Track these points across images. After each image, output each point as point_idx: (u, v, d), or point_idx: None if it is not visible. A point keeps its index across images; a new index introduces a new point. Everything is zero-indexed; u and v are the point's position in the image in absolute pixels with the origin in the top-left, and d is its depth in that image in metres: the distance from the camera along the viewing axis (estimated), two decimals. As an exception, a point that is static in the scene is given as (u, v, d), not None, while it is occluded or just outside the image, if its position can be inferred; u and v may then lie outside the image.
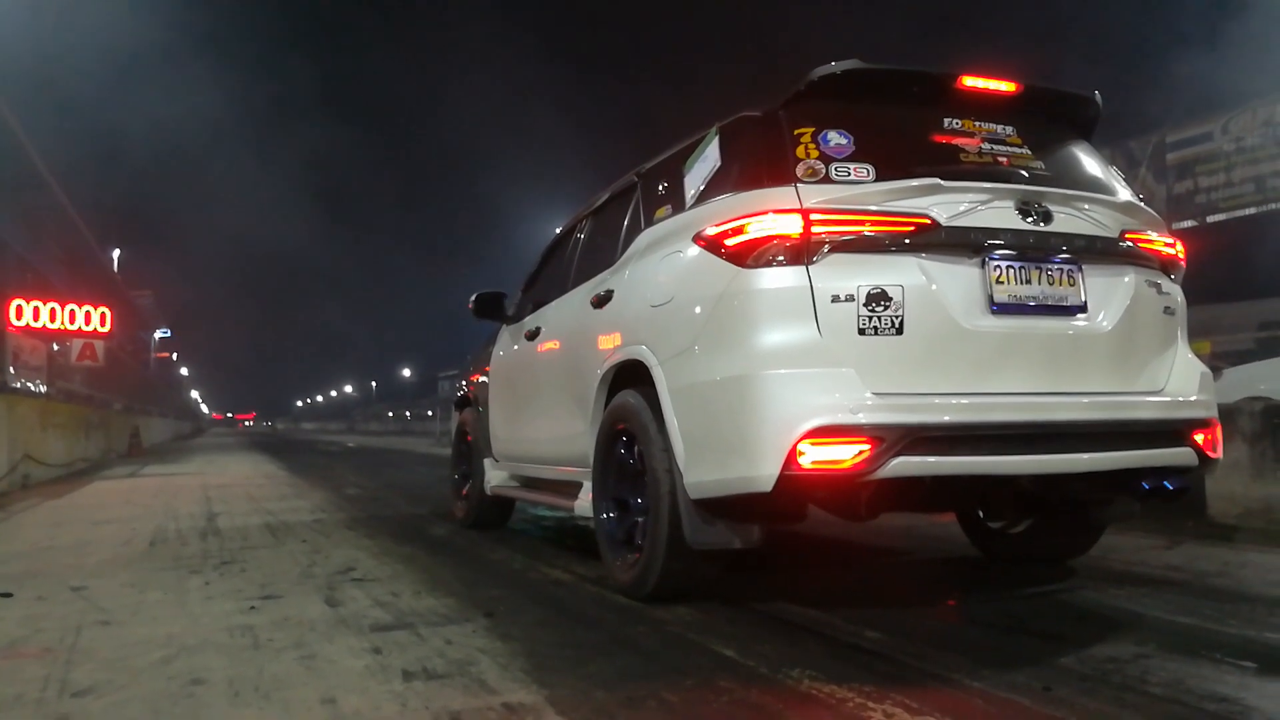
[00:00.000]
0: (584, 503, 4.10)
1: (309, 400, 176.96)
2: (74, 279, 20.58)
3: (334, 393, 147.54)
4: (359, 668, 2.95)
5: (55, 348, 15.49)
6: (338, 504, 8.60)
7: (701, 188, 3.55)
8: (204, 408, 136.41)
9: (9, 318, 13.27)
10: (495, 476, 5.75)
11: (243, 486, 10.88)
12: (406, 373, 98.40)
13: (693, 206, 3.57)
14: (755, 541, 3.34)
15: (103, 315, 15.84)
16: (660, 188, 3.93)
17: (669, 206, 3.79)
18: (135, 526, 6.79)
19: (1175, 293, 3.54)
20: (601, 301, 4.06)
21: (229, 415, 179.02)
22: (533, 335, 4.99)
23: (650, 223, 3.90)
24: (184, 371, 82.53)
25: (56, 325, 14.74)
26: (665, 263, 3.55)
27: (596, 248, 4.46)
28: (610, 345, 3.87)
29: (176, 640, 3.34)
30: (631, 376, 3.70)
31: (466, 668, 2.93)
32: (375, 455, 21.88)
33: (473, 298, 5.65)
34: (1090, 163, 3.61)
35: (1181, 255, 3.57)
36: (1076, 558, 4.31)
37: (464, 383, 6.44)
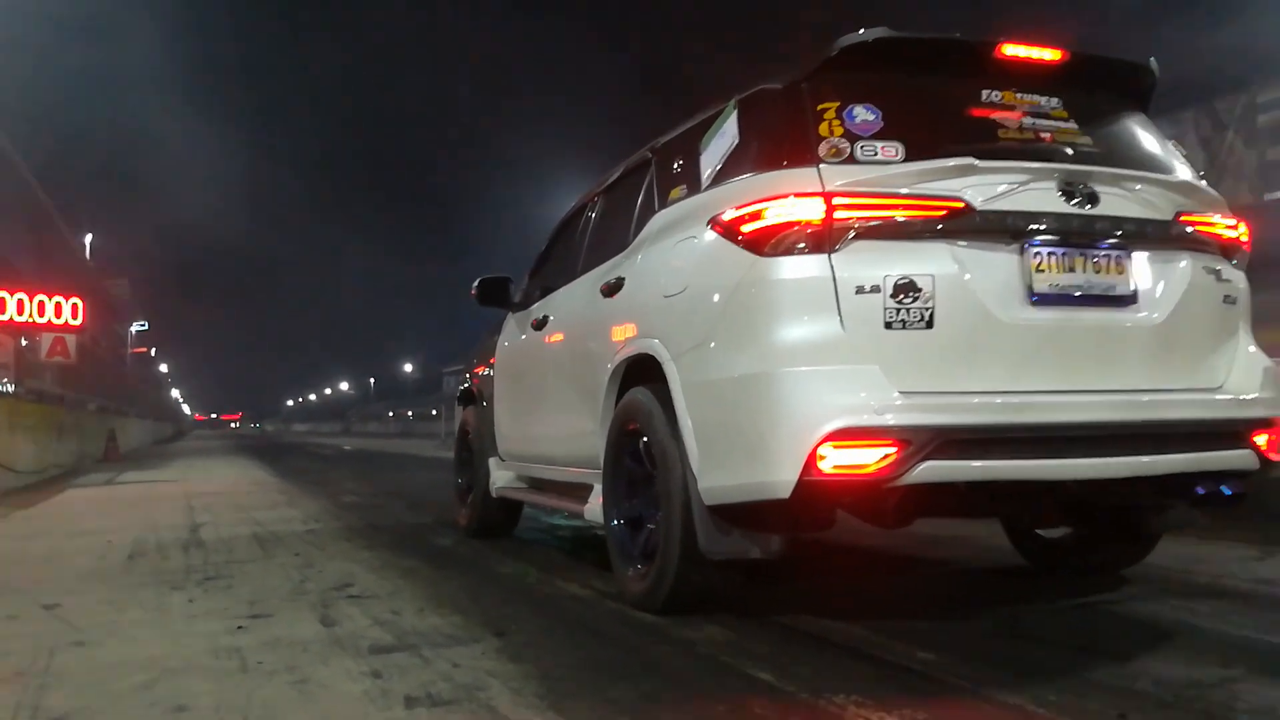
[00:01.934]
0: (594, 507, 4.15)
1: (301, 399, 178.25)
2: (42, 267, 20.79)
3: (328, 391, 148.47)
4: (357, 693, 2.98)
5: (24, 343, 15.66)
6: (333, 513, 8.66)
7: (719, 166, 3.55)
8: (186, 408, 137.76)
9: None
10: (501, 477, 5.83)
11: (229, 494, 10.99)
12: (408, 368, 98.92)
13: (709, 187, 3.57)
14: (775, 552, 3.37)
15: (75, 306, 15.98)
16: (676, 165, 3.92)
17: (684, 187, 3.79)
18: (112, 538, 6.88)
19: (1237, 279, 3.51)
20: (612, 290, 4.09)
21: (213, 416, 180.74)
22: (540, 324, 5.03)
23: (665, 204, 3.91)
24: (164, 369, 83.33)
25: (24, 318, 14.90)
26: (679, 249, 3.56)
27: (608, 229, 4.47)
28: (621, 338, 3.91)
29: (158, 663, 3.38)
30: (644, 372, 3.70)
31: (475, 693, 2.95)
32: (374, 459, 22.02)
33: (475, 283, 5.70)
34: (1145, 138, 3.59)
35: (1245, 239, 3.53)
36: (1130, 567, 4.27)
37: (468, 375, 6.51)
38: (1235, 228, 3.52)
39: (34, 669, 3.35)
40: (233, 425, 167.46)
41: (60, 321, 15.89)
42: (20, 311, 15.06)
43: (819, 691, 2.84)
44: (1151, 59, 3.67)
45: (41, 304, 15.59)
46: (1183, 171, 3.50)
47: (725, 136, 3.58)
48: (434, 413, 63.28)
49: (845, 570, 4.94)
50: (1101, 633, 3.48)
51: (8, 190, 19.22)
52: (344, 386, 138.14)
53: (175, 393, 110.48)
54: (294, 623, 3.95)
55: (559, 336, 4.77)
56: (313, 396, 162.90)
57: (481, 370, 6.15)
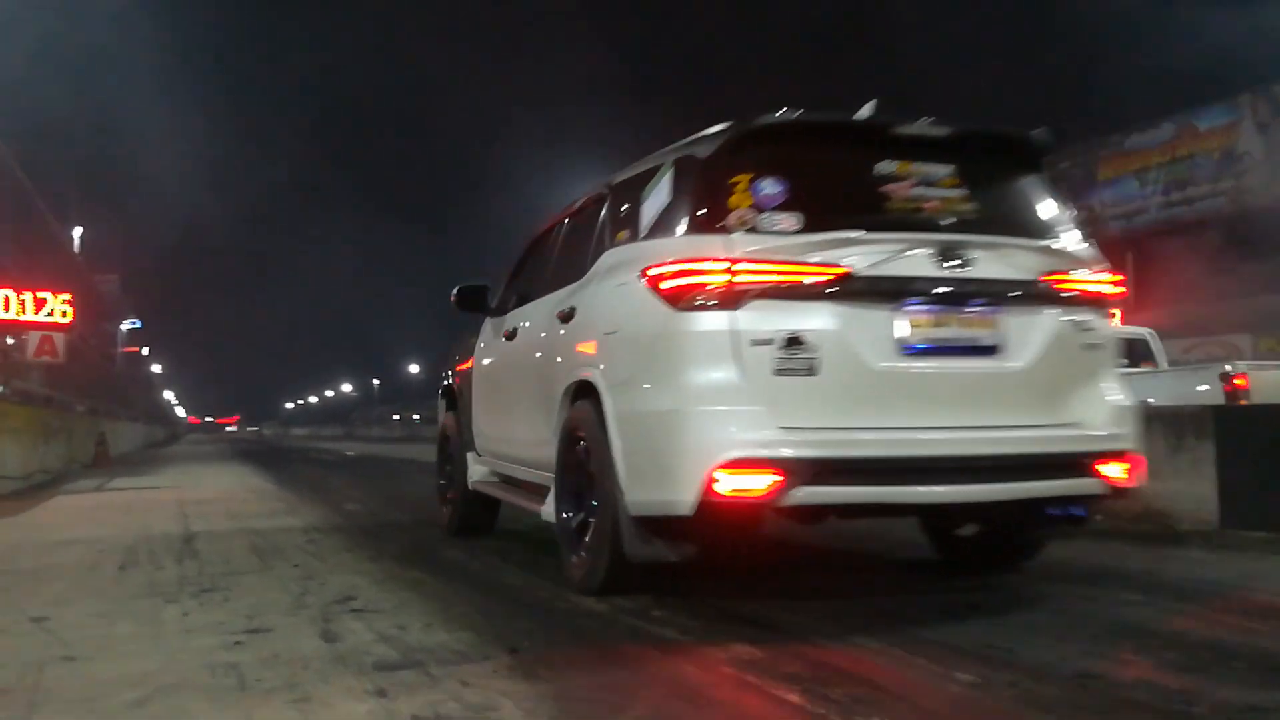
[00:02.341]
0: (549, 509, 4.88)
1: (300, 401, 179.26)
2: (29, 261, 20.96)
3: (329, 393, 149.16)
4: (360, 713, 3.00)
5: (9, 341, 15.80)
6: (335, 522, 8.72)
7: (654, 220, 4.34)
8: (179, 411, 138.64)
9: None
10: (477, 471, 6.57)
11: (225, 502, 11.07)
12: (414, 369, 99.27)
13: (645, 238, 4.37)
14: (689, 557, 4.14)
15: (63, 304, 16.12)
16: (623, 208, 4.73)
17: (628, 231, 4.59)
18: (103, 548, 6.94)
19: (1102, 328, 4.21)
20: (566, 317, 4.83)
21: (208, 419, 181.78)
22: (511, 336, 5.83)
23: (613, 243, 4.70)
24: (156, 369, 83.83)
25: (10, 314, 15.03)
26: (618, 291, 4.32)
27: (571, 253, 5.29)
28: (571, 362, 4.67)
29: (151, 679, 3.41)
30: (590, 390, 4.42)
31: (486, 713, 2.97)
32: (378, 465, 22.12)
33: (455, 290, 6.39)
34: (1031, 202, 4.35)
35: (1117, 291, 4.27)
36: (1026, 562, 4.99)
37: (449, 373, 7.22)
38: (1105, 282, 4.24)
39: (22, 685, 3.39)
40: (229, 429, 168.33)
41: (48, 319, 16.01)
42: (5, 308, 15.15)
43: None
44: (1042, 129, 4.37)
45: (25, 301, 15.69)
46: (1062, 232, 4.27)
47: (660, 193, 4.36)
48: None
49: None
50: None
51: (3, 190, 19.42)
52: (346, 388, 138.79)
53: (168, 395, 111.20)
54: (294, 638, 3.99)
55: (525, 350, 5.52)
56: (313, 399, 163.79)
57: (462, 369, 6.82)
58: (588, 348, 4.56)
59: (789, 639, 3.81)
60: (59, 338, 16.68)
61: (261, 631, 4.11)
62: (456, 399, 7.03)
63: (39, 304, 15.85)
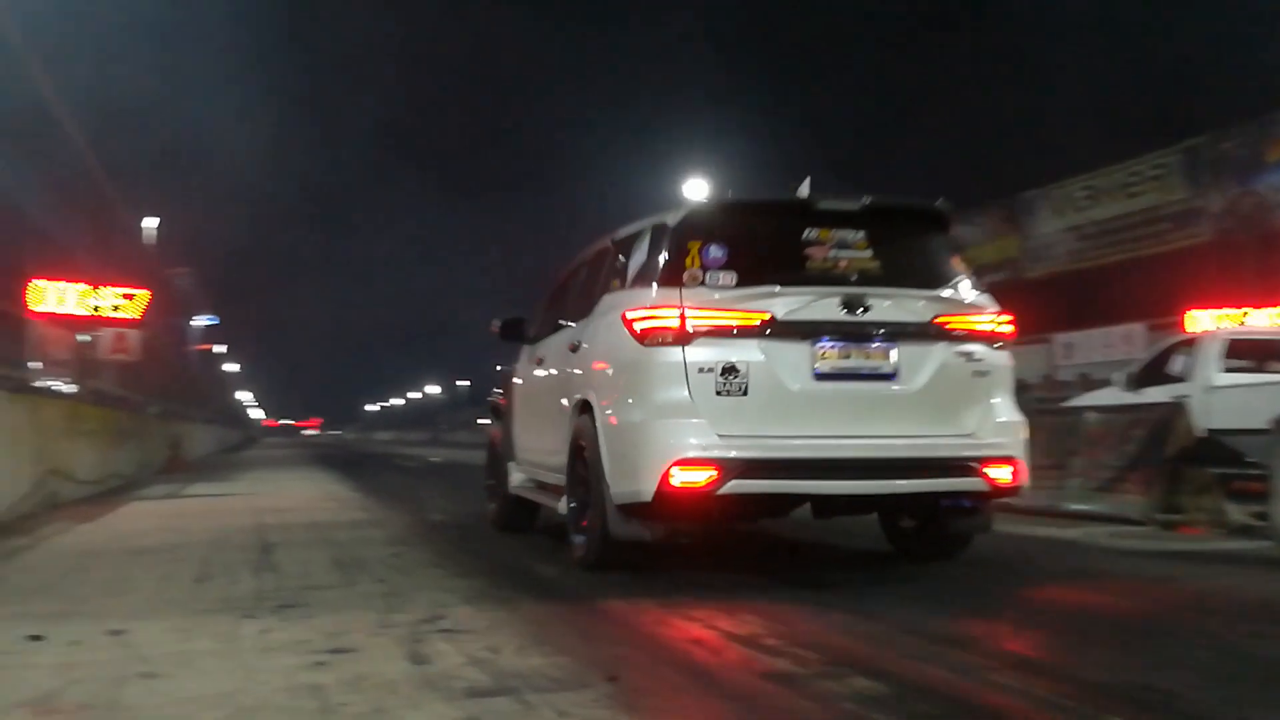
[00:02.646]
0: (563, 505, 6.48)
1: (383, 404, 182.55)
2: (103, 255, 21.75)
3: (414, 395, 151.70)
4: (451, 741, 3.05)
5: (85, 338, 16.42)
6: (420, 534, 8.89)
7: (635, 273, 5.98)
8: (256, 413, 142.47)
9: (27, 302, 14.15)
10: (516, 477, 8.24)
11: (304, 511, 11.37)
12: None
13: (629, 287, 5.99)
14: (660, 537, 5.67)
15: (137, 299, 16.69)
16: (618, 260, 6.41)
17: (618, 280, 6.25)
18: (179, 558, 7.19)
19: (992, 359, 5.71)
20: (575, 348, 6.49)
21: (286, 422, 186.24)
22: (539, 363, 7.58)
23: (609, 289, 6.35)
24: (232, 368, 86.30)
25: (84, 311, 15.63)
26: (608, 329, 5.92)
27: (583, 294, 6.95)
28: (577, 384, 6.29)
29: (231, 700, 3.53)
30: (588, 406, 5.98)
31: (584, 745, 3.00)
32: (465, 473, 22.42)
33: (497, 323, 8.21)
34: (931, 258, 5.94)
35: (1007, 330, 5.78)
36: (958, 552, 6.43)
37: (496, 393, 9.07)
38: (994, 323, 5.76)
39: (100, 702, 3.54)
40: (307, 432, 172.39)
41: (122, 315, 16.60)
42: (79, 304, 15.73)
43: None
44: (940, 200, 6.08)
45: (102, 296, 16.29)
46: (957, 283, 5.84)
47: (640, 251, 6.03)
48: None
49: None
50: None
51: (67, 172, 20.18)
52: (432, 390, 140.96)
53: (244, 395, 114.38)
54: (380, 659, 4.08)
55: (548, 375, 7.25)
56: (397, 401, 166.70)
57: (504, 390, 8.76)
58: (587, 373, 6.18)
59: (905, 670, 3.82)
60: (133, 335, 17.30)
61: (345, 651, 4.22)
62: (502, 415, 8.79)
63: (114, 299, 16.44)
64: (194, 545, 7.99)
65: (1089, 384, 19.37)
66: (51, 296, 14.95)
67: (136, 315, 16.88)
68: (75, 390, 15.14)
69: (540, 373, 7.56)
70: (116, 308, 16.58)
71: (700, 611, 4.98)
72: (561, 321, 7.25)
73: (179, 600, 5.54)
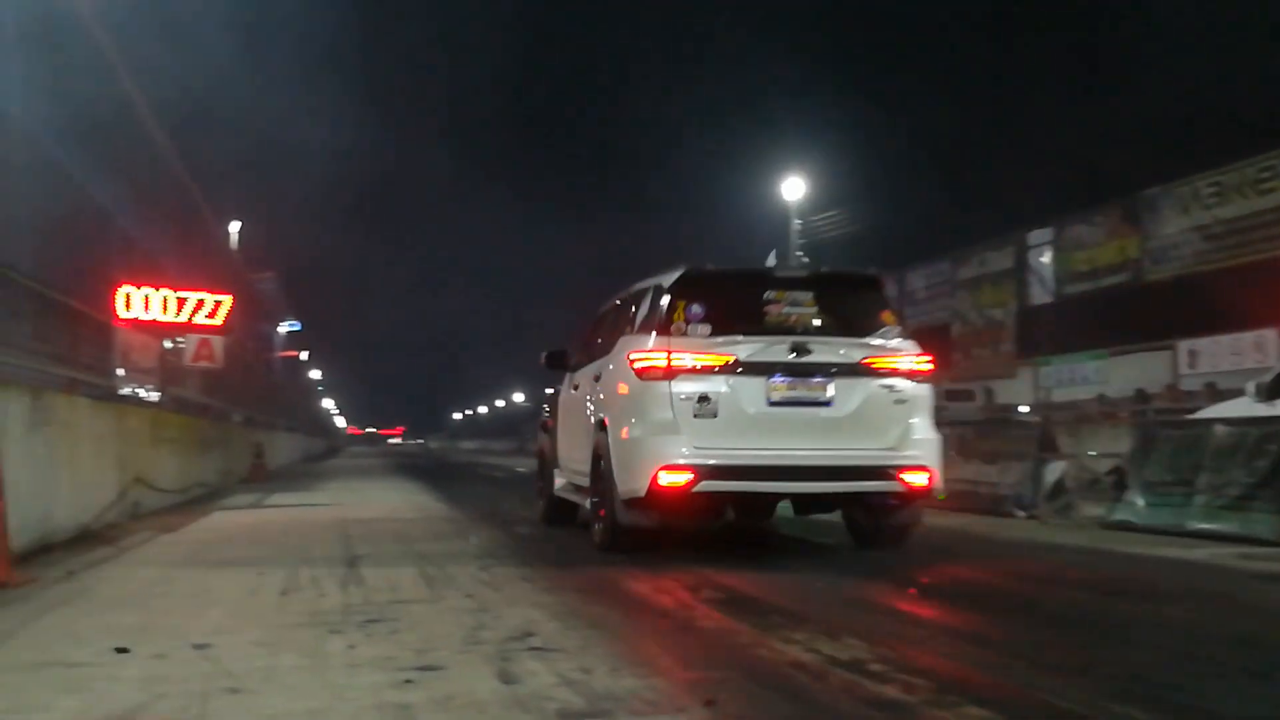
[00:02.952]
0: (588, 503, 8.74)
1: (470, 412, 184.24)
2: (187, 260, 22.27)
3: (501, 403, 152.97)
4: (543, 765, 3.07)
5: (168, 345, 16.82)
6: (509, 547, 8.97)
7: (640, 322, 8.03)
8: (339, 420, 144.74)
9: (116, 309, 14.55)
10: (559, 482, 10.39)
11: (390, 522, 11.54)
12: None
13: (635, 333, 8.04)
14: (655, 523, 7.73)
15: (222, 305, 17.06)
16: (630, 310, 8.54)
17: (630, 326, 8.30)
18: (263, 570, 7.33)
19: (909, 390, 7.72)
20: (598, 379, 8.60)
21: (370, 431, 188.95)
22: (575, 389, 9.70)
23: (624, 332, 8.36)
24: (315, 375, 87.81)
25: (169, 318, 15.99)
26: (617, 366, 7.93)
27: (606, 334, 9.06)
28: (598, 407, 8.34)
29: (318, 717, 3.58)
30: (604, 425, 8.11)
31: (681, 772, 2.99)
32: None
33: (544, 355, 10.48)
34: (862, 312, 7.99)
35: (926, 368, 7.83)
36: (899, 545, 8.41)
37: (545, 410, 11.53)
38: (915, 363, 7.80)
39: (187, 716, 3.62)
40: (392, 441, 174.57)
41: (206, 321, 16.97)
42: (164, 310, 16.09)
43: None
44: (870, 268, 8.61)
45: (182, 301, 16.62)
46: (885, 333, 7.89)
47: (644, 306, 8.13)
48: None
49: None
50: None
51: (152, 176, 20.65)
52: (519, 398, 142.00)
53: (328, 403, 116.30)
54: (469, 678, 4.11)
55: (581, 399, 9.28)
56: (483, 409, 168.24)
57: (550, 409, 11.03)
58: (605, 399, 8.28)
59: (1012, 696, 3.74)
60: (217, 341, 17.65)
61: (433, 669, 4.26)
62: (548, 430, 10.97)
63: (198, 305, 16.79)
64: (279, 557, 8.14)
65: (1216, 394, 18.87)
66: (138, 302, 15.30)
67: (220, 321, 17.20)
68: (159, 398, 15.50)
69: (577, 395, 9.65)
70: (204, 312, 16.90)
71: (799, 634, 4.95)
72: (590, 356, 9.46)
73: (264, 614, 5.65)
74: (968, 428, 15.20)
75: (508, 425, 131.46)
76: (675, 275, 8.08)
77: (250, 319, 35.71)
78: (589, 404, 8.99)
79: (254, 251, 43.92)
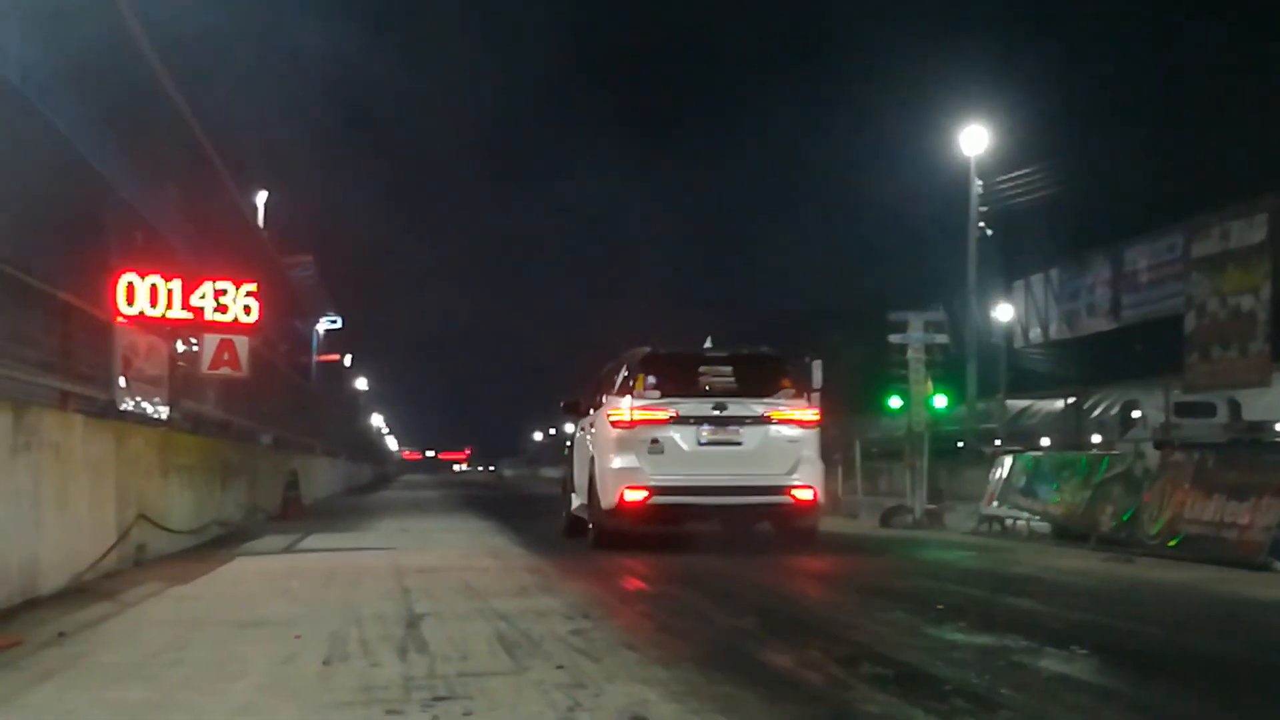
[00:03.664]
0: (589, 515, 16.50)
1: (553, 431, 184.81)
2: (204, 240, 22.59)
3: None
4: None
5: (180, 348, 16.95)
6: (609, 604, 8.97)
7: (616, 387, 16.33)
8: (392, 442, 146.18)
9: (116, 302, 14.76)
10: (574, 502, 17.61)
11: (457, 571, 11.64)
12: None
13: (614, 394, 16.20)
14: (626, 527, 15.49)
15: (247, 296, 17.06)
16: (613, 377, 16.80)
17: (611, 389, 16.51)
18: (301, 633, 7.37)
19: (798, 434, 15.52)
20: (593, 425, 16.71)
21: (429, 454, 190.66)
22: (583, 430, 17.48)
23: (607, 392, 16.64)
24: (361, 384, 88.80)
25: (182, 313, 16.07)
26: (601, 417, 16.09)
27: (599, 392, 17.05)
28: (592, 445, 16.49)
29: (373, 824, 3.56)
30: (593, 459, 16.37)
31: None
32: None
33: (562, 403, 19.93)
34: (766, 380, 16.05)
35: (808, 420, 15.61)
36: (807, 544, 15.50)
37: (567, 445, 20.34)
38: (803, 415, 15.57)
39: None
40: (457, 467, 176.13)
41: (228, 318, 17.01)
42: (172, 304, 16.10)
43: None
44: (765, 347, 17.50)
45: (205, 293, 16.58)
46: (783, 394, 15.73)
47: (620, 374, 16.39)
48: None
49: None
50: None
51: (163, 138, 20.92)
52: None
53: (377, 420, 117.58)
54: (563, 775, 4.07)
55: (584, 438, 17.05)
56: (569, 428, 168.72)
57: (569, 446, 18.87)
58: (595, 440, 15.71)
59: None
60: (241, 343, 17.56)
61: (518, 763, 4.23)
62: (567, 461, 18.55)
63: (217, 297, 16.77)
64: (319, 616, 8.19)
65: None
66: (144, 294, 15.38)
67: (246, 318, 17.23)
68: (169, 414, 15.66)
69: (582, 435, 16.92)
70: (226, 306, 16.96)
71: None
72: (593, 406, 16.49)
73: (303, 689, 5.66)
74: (1206, 453, 14.77)
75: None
76: (640, 355, 16.01)
77: (283, 315, 36.03)
78: (589, 443, 16.50)
79: (287, 231, 44.10)
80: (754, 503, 15.33)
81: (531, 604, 8.85)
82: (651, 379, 15.54)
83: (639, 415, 15.21)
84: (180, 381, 16.30)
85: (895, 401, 21.51)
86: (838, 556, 14.77)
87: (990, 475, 18.39)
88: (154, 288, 15.46)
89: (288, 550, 14.97)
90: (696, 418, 15.22)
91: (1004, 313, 33.46)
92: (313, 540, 16.65)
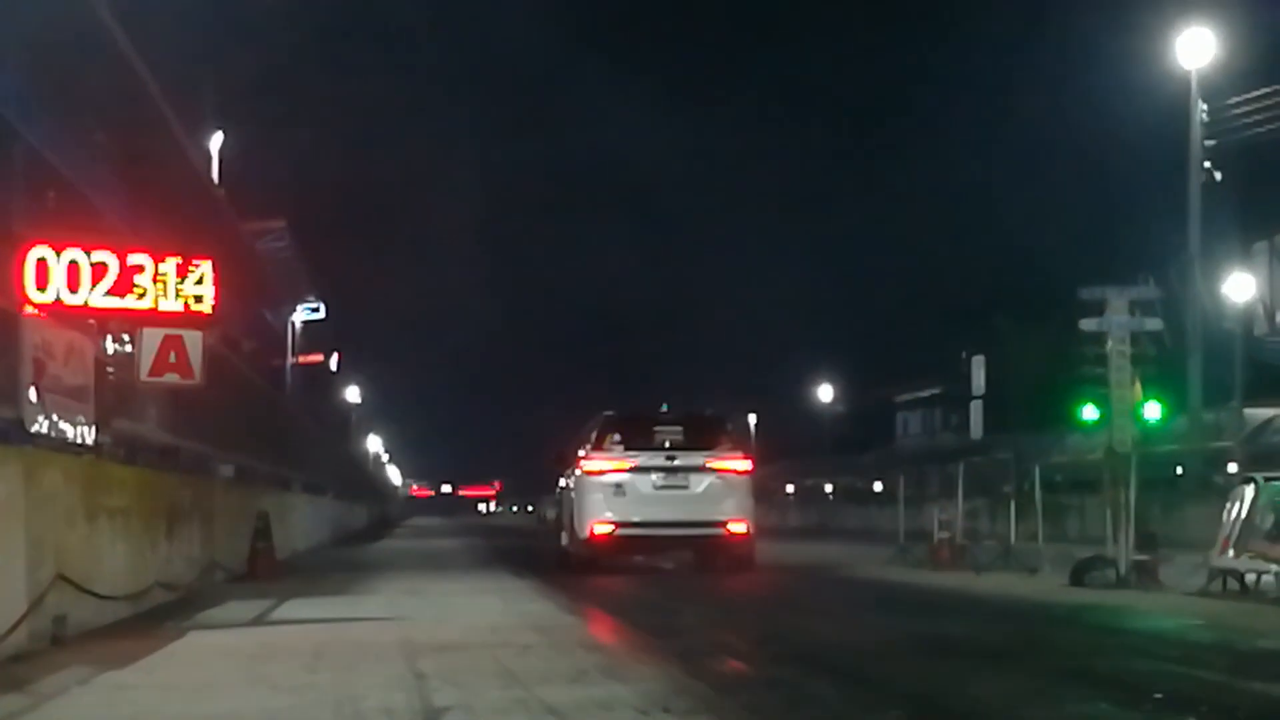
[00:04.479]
0: (570, 546, 32.31)
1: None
2: (141, 204, 22.58)
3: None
4: None
5: (110, 348, 16.91)
6: (698, 694, 8.97)
7: (590, 443, 31.74)
8: (393, 474, 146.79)
9: (23, 286, 14.67)
10: (563, 539, 33.06)
11: (488, 648, 11.65)
12: (825, 395, 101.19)
13: (587, 448, 31.81)
14: (597, 555, 30.80)
15: (197, 276, 16.88)
16: (588, 435, 32.30)
17: (586, 444, 32.12)
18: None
19: (735, 480, 30.58)
20: (571, 475, 32.68)
21: (445, 490, 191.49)
22: (565, 478, 33.99)
23: (583, 448, 32.24)
24: (352, 395, 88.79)
25: (111, 300, 15.91)
26: (576, 468, 31.81)
27: (575, 448, 32.93)
28: (571, 491, 32.36)
29: None
30: (572, 501, 32.83)
31: None
32: (761, 576, 22.44)
33: (550, 456, 36.96)
34: (710, 434, 31.70)
35: (743, 468, 30.58)
36: (741, 571, 28.99)
37: (558, 491, 37.63)
38: (739, 465, 30.47)
39: None
40: (483, 507, 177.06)
41: (174, 306, 16.79)
42: (100, 281, 15.95)
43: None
44: (709, 409, 36.78)
45: (139, 269, 16.35)
46: (725, 446, 31.23)
47: (593, 432, 31.49)
48: (876, 486, 64.89)
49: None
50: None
51: (87, 66, 20.88)
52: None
53: (375, 444, 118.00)
54: None
55: (566, 486, 33.37)
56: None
57: (558, 494, 36.82)
58: (573, 486, 31.01)
59: None
60: (192, 340, 17.34)
61: None
62: (558, 504, 36.47)
63: (158, 279, 16.60)
64: (305, 714, 8.19)
65: None
66: (60, 274, 15.27)
67: (198, 306, 17.04)
68: (96, 439, 15.66)
69: (565, 484, 31.44)
70: (171, 289, 16.77)
71: None
72: (574, 459, 30.54)
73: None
74: None
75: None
76: (605, 416, 29.64)
77: (247, 302, 35.91)
78: (571, 489, 29.27)
79: (251, 188, 43.92)
80: (698, 534, 28.29)
81: (592, 693, 8.84)
82: (616, 435, 29.17)
83: (605, 465, 28.48)
84: (111, 394, 16.32)
85: (1089, 412, 20.72)
86: (1016, 627, 14.00)
87: (1224, 513, 17.99)
88: (74, 265, 15.20)
89: (258, 621, 15.03)
90: (652, 466, 28.34)
91: (1239, 287, 32.61)
92: (292, 608, 16.73)
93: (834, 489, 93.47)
